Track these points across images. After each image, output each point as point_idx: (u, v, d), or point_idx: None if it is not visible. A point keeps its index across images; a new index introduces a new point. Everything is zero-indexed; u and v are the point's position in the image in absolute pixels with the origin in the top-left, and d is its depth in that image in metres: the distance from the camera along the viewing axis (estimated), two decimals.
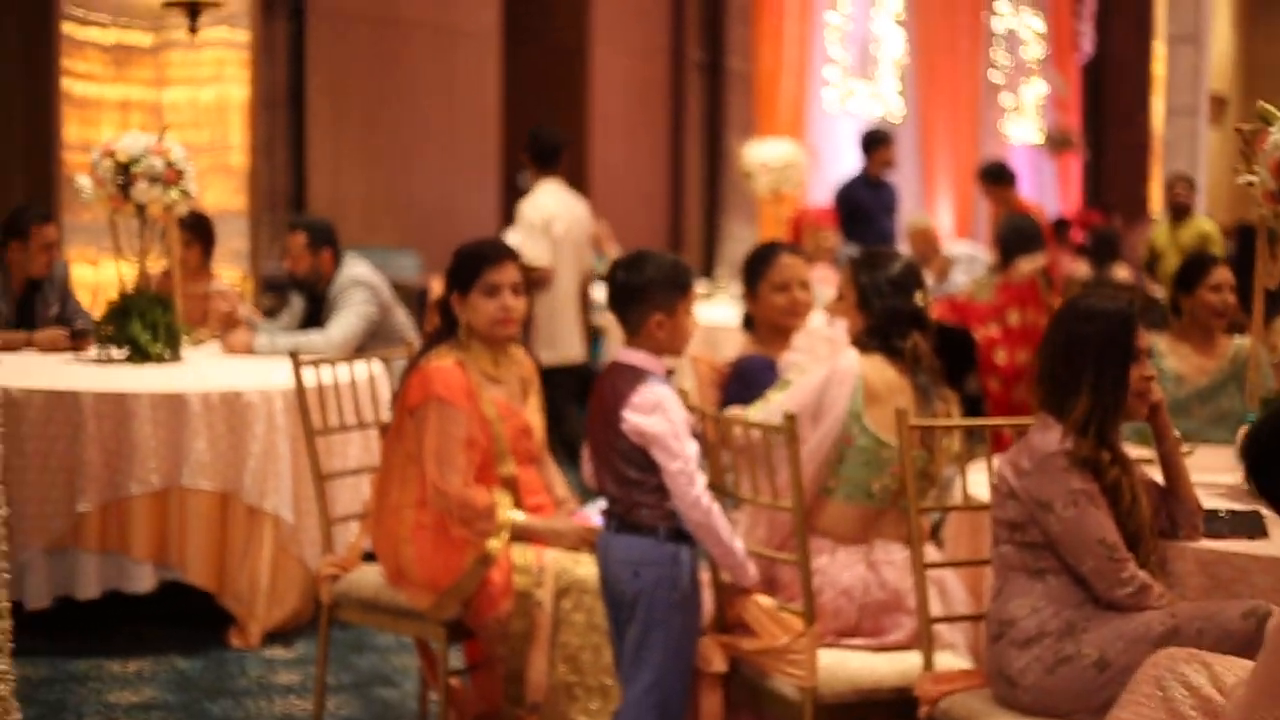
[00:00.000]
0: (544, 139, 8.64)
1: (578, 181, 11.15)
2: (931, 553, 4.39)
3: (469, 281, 4.67)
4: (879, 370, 4.33)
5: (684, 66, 11.49)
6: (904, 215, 11.73)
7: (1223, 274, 5.92)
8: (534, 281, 8.42)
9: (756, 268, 5.17)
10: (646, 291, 4.24)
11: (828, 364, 4.33)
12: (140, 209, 6.28)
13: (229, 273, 8.70)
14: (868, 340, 4.39)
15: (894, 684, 4.09)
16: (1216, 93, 19.26)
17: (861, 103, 14.04)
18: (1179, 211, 12.32)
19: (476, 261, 4.70)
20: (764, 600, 4.22)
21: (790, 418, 4.05)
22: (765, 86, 12.08)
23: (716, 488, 4.26)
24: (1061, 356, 3.80)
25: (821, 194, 11.76)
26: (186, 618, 5.98)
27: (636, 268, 4.29)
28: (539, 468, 4.86)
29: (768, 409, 4.33)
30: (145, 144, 6.29)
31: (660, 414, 4.12)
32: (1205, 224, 12.36)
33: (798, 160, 8.90)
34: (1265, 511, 4.03)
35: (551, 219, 8.52)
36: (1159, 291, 9.94)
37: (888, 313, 4.39)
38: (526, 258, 8.50)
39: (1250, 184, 4.31)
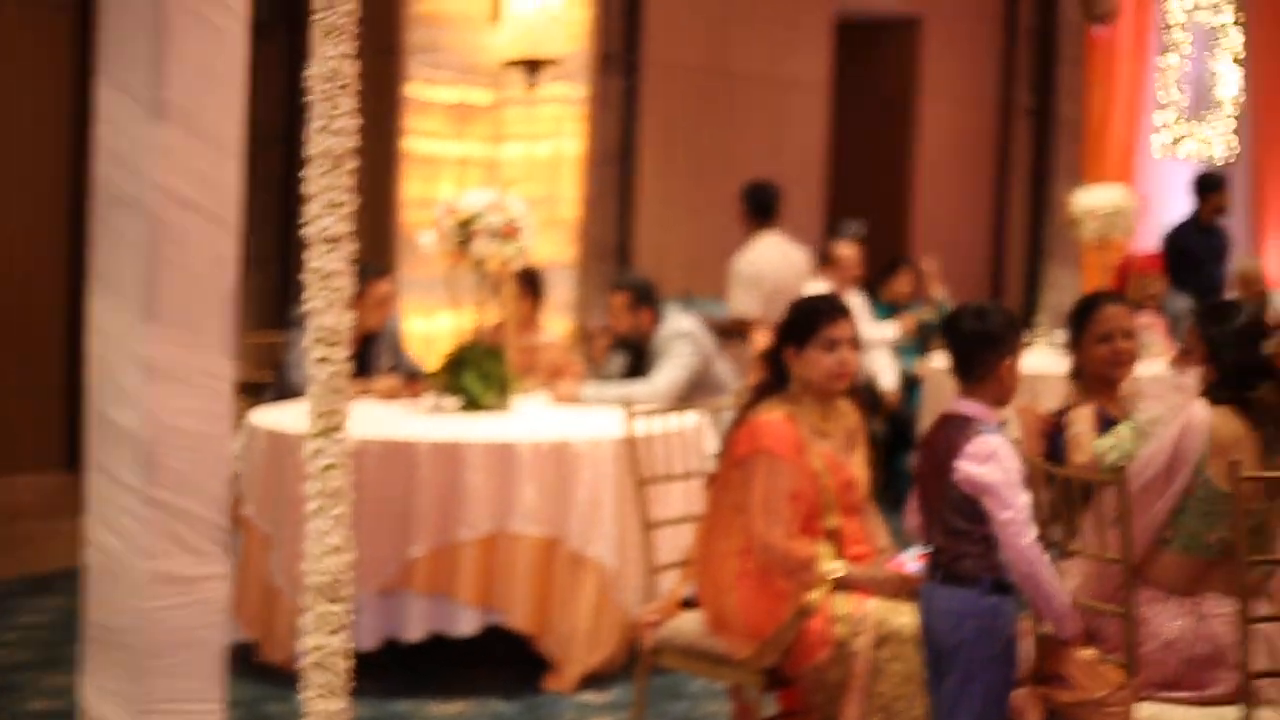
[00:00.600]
0: (759, 193, 8.84)
1: (900, 230, 11.16)
2: (1264, 607, 4.28)
3: (806, 335, 4.73)
4: (1226, 422, 4.27)
5: (1012, 113, 11.41)
6: (1233, 259, 11.42)
7: None
8: (736, 331, 8.55)
9: (1080, 319, 5.17)
10: (999, 338, 4.29)
11: (1182, 415, 4.28)
12: (478, 264, 6.48)
13: (557, 323, 8.93)
14: (1219, 392, 4.34)
15: None
16: None
17: (1192, 146, 13.71)
18: None
19: (815, 316, 4.75)
20: (1085, 652, 4.18)
21: (1119, 469, 4.03)
22: (1095, 132, 11.91)
23: (1043, 538, 4.25)
24: None
25: (1148, 240, 11.52)
26: (506, 660, 6.13)
27: (985, 315, 4.34)
28: (862, 518, 4.90)
29: (1120, 447, 4.31)
30: (486, 201, 6.50)
31: (995, 463, 4.13)
32: None
33: (1127, 206, 8.74)
34: None
35: (762, 272, 8.68)
36: None
37: (1238, 364, 4.35)
38: (734, 310, 8.68)
39: None
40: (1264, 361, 4.38)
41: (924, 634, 4.27)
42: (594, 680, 5.97)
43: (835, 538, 4.71)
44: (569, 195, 9.51)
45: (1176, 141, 13.40)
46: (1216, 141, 13.99)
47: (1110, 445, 4.38)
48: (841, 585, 4.61)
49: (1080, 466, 4.27)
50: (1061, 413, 5.08)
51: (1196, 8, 13.58)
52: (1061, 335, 7.07)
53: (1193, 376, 4.35)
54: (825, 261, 9.23)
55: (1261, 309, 9.81)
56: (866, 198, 11.22)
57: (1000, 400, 4.29)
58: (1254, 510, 4.05)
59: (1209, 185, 11.07)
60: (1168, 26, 13.14)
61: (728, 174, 10.28)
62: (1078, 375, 5.23)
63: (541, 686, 5.94)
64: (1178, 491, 4.21)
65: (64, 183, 8.06)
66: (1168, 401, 4.30)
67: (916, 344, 9.65)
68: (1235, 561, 4.08)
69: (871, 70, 11.36)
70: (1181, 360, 4.69)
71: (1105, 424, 4.74)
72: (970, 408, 4.25)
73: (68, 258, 8.00)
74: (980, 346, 4.29)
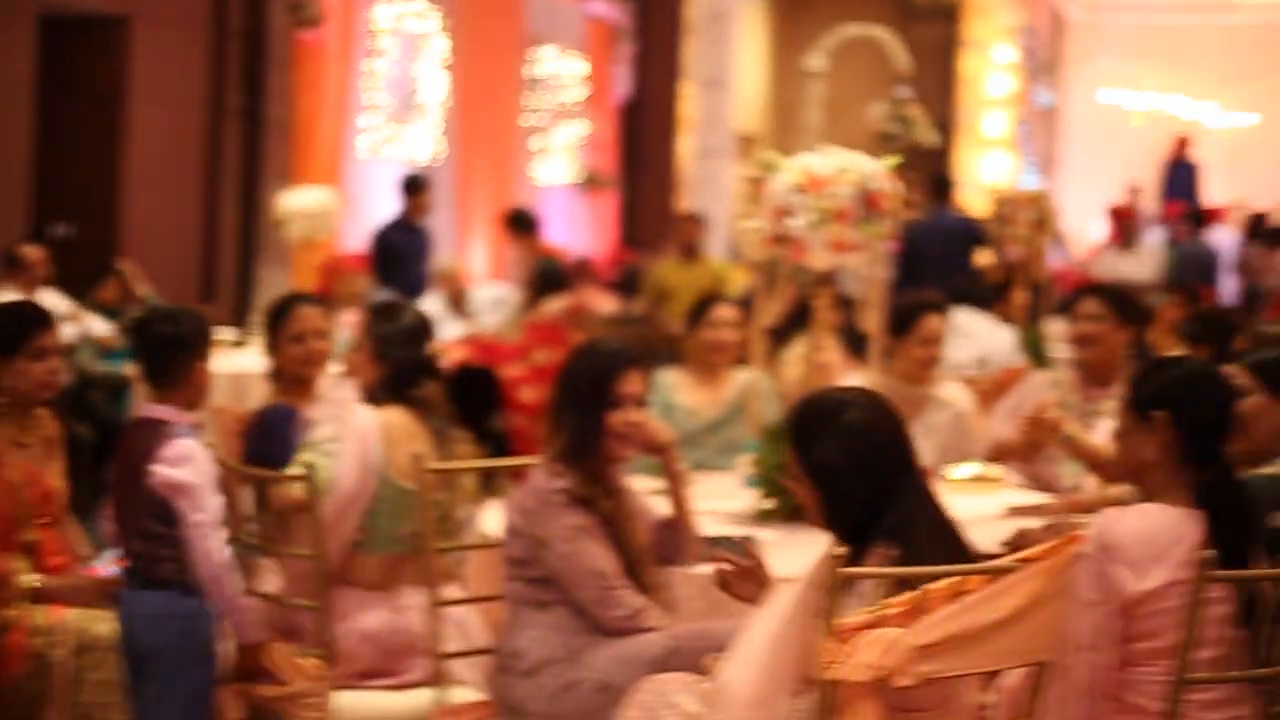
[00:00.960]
0: None
1: (110, 232, 10.93)
2: (455, 591, 4.53)
3: (14, 345, 4.45)
4: (394, 419, 4.45)
5: (223, 115, 11.39)
6: (438, 259, 11.91)
7: (724, 312, 6.27)
8: None
9: (275, 320, 5.28)
10: (189, 341, 4.32)
11: (354, 427, 4.40)
12: None
13: None
14: (381, 392, 4.51)
15: None
16: (747, 133, 20.15)
17: (400, 149, 14.17)
18: (687, 250, 12.02)
19: (24, 325, 4.49)
20: (283, 647, 4.30)
21: (310, 466, 4.15)
22: (303, 133, 12.08)
23: (237, 539, 4.33)
24: (555, 394, 4.05)
25: (356, 240, 11.83)
26: None
27: (176, 319, 4.37)
28: (61, 528, 4.80)
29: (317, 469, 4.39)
30: None
31: (189, 466, 4.17)
32: (715, 263, 12.25)
33: (330, 207, 8.96)
34: (764, 538, 4.34)
35: None
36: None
37: (402, 363, 4.53)
38: None
39: (755, 229, 4.64)
40: (426, 361, 4.60)
41: (124, 640, 4.23)
42: None
43: (33, 550, 4.55)
44: None
45: (383, 144, 13.81)
46: (421, 144, 14.52)
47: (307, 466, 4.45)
48: (39, 597, 4.51)
49: (274, 474, 4.34)
50: (261, 413, 5.18)
51: (403, 15, 14.04)
52: None
53: (350, 386, 4.51)
54: (11, 264, 8.92)
55: (456, 306, 10.32)
56: (76, 199, 10.93)
57: (192, 403, 4.34)
58: (438, 501, 4.27)
59: (414, 186, 11.51)
60: (375, 32, 13.51)
61: None
62: (275, 376, 5.35)
63: None
64: (365, 496, 4.37)
65: None
66: (333, 414, 4.44)
67: (128, 349, 9.48)
68: (420, 553, 4.30)
69: (79, 69, 11.06)
70: (352, 359, 4.83)
71: (298, 425, 4.84)
72: (163, 411, 4.27)
73: None
74: (171, 350, 4.32)
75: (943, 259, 11.12)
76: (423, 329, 4.63)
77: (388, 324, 4.60)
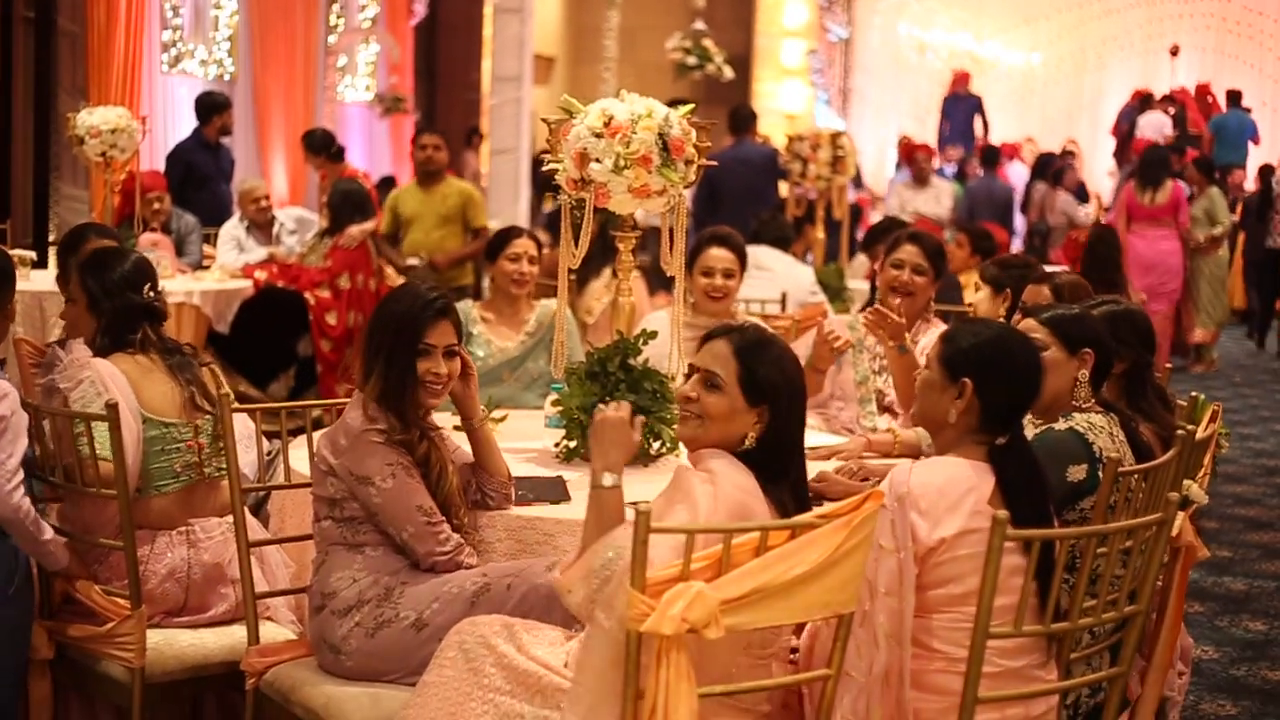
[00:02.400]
0: None
1: None
2: (255, 529, 4.55)
3: None
4: (126, 363, 4.43)
5: (13, 25, 11.07)
6: (239, 178, 11.75)
7: (523, 244, 6.30)
8: None
9: (68, 254, 5.29)
10: (5, 279, 4.30)
11: (98, 379, 4.35)
12: None
13: None
14: (103, 343, 4.48)
15: (222, 659, 4.26)
16: (544, 54, 20.12)
17: (197, 65, 13.91)
18: (426, 174, 10.55)
19: None
20: (90, 586, 4.28)
21: (112, 406, 4.11)
22: (99, 47, 11.79)
23: (38, 475, 4.30)
24: (366, 338, 4.09)
25: (156, 158, 11.62)
26: None
27: None
28: None
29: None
30: None
31: (5, 405, 4.11)
32: (458, 186, 10.76)
33: (128, 126, 8.77)
34: (567, 476, 4.42)
35: None
36: None
37: (119, 311, 4.49)
38: None
39: (555, 171, 4.68)
40: (146, 304, 4.53)
41: None
42: None
43: None
44: None
45: (178, 61, 13.55)
46: (216, 62, 14.28)
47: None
48: None
49: (77, 413, 4.29)
50: (54, 344, 5.10)
51: None
52: None
53: (79, 345, 4.47)
54: None
55: (260, 227, 10.20)
56: None
57: None
58: (201, 428, 4.33)
59: (212, 106, 11.31)
60: None
61: None
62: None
63: None
64: (139, 440, 4.32)
65: None
66: (75, 375, 4.39)
67: None
68: (210, 480, 4.40)
69: None
70: (66, 314, 4.74)
71: None
72: None
73: None
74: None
75: (745, 191, 11.27)
76: (137, 274, 4.54)
77: (100, 274, 4.53)
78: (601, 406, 3.44)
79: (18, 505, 4.08)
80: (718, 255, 6.18)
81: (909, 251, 5.76)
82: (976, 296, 5.74)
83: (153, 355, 4.46)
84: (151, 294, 4.53)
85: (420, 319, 4.03)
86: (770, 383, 3.48)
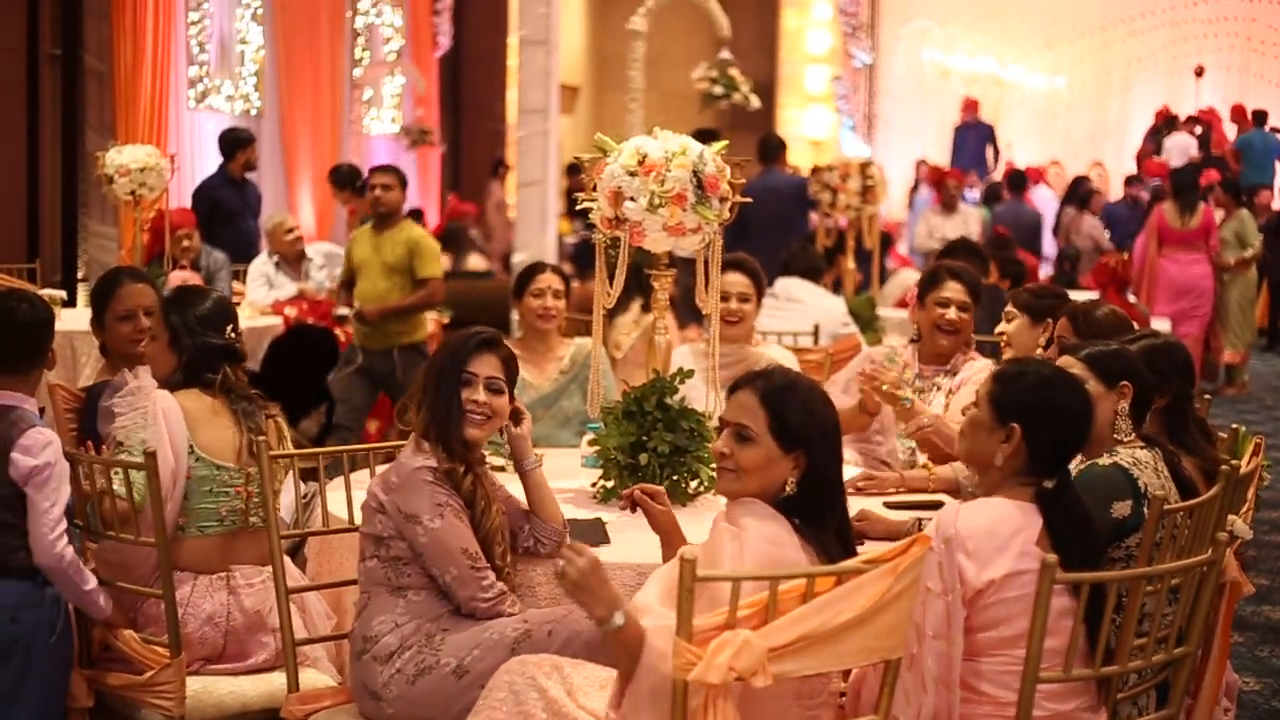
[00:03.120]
0: None
1: None
2: (295, 575, 4.54)
3: None
4: (194, 400, 4.43)
5: (41, 64, 11.13)
6: (266, 213, 11.76)
7: (548, 279, 6.26)
8: None
9: (101, 299, 5.23)
10: (46, 327, 4.30)
11: (154, 410, 4.35)
12: None
13: None
14: (179, 379, 4.47)
15: (262, 706, 4.25)
16: (569, 84, 20.15)
17: (223, 101, 13.96)
18: (380, 219, 9.04)
19: None
20: (129, 634, 4.27)
21: (150, 454, 4.11)
22: (125, 85, 11.85)
23: (76, 523, 4.29)
24: (423, 372, 4.10)
25: (184, 195, 11.65)
26: None
27: (33, 303, 4.36)
28: None
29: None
30: None
31: (50, 453, 4.12)
32: (410, 233, 9.02)
33: (156, 164, 8.80)
34: (606, 518, 4.40)
35: None
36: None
37: (198, 350, 4.50)
38: None
39: (589, 209, 4.68)
40: (226, 346, 4.55)
41: None
42: None
43: None
44: None
45: (205, 96, 13.60)
46: (243, 97, 14.33)
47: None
48: None
49: (116, 461, 4.28)
50: (90, 390, 5.11)
51: None
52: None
53: (146, 374, 4.47)
54: None
55: (289, 262, 10.21)
56: None
57: (35, 387, 4.29)
58: (252, 476, 4.28)
59: (237, 141, 11.33)
60: None
61: None
62: (105, 351, 5.30)
63: None
64: (180, 477, 4.32)
65: None
66: (132, 403, 4.38)
67: None
68: (254, 530, 4.35)
69: None
70: (149, 350, 4.76)
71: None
72: (12, 397, 4.21)
73: None
74: (32, 335, 4.30)
75: (774, 220, 11.25)
76: (220, 313, 4.57)
77: (182, 311, 4.55)
78: (563, 564, 3.20)
79: (61, 554, 4.08)
80: (731, 280, 6.19)
81: (954, 289, 5.69)
82: (1010, 327, 5.66)
83: (223, 400, 4.45)
84: (232, 335, 4.54)
85: (464, 348, 4.07)
86: (802, 427, 3.44)
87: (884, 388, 5.37)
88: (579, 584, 3.17)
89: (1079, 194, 17.03)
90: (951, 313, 5.67)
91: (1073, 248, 15.56)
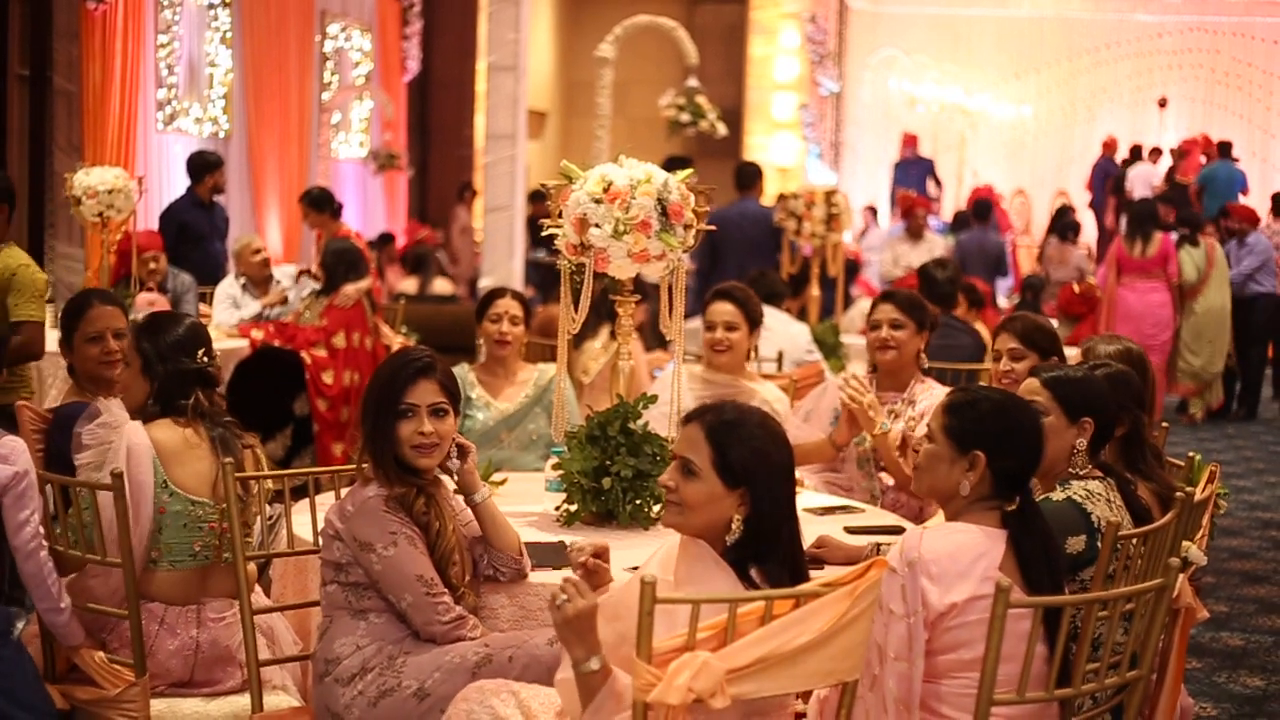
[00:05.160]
0: None
1: None
2: (259, 597, 4.55)
3: None
4: (169, 432, 4.40)
5: (9, 85, 11.13)
6: (234, 236, 11.77)
7: (505, 304, 6.31)
8: None
9: (70, 321, 5.24)
10: (4, 343, 4.30)
11: (119, 444, 4.33)
12: None
13: None
14: (151, 407, 4.46)
15: None
16: (537, 109, 20.20)
17: (191, 123, 13.97)
18: None
19: None
20: (96, 654, 4.29)
21: (118, 476, 4.13)
22: (94, 106, 11.86)
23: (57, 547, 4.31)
24: (362, 400, 4.13)
25: (151, 217, 11.65)
26: None
27: None
28: None
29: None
30: None
31: (25, 459, 4.14)
32: (10, 260, 6.65)
33: (124, 186, 8.80)
34: (569, 540, 4.43)
35: None
36: None
37: (172, 375, 4.49)
38: None
39: (554, 236, 4.72)
40: (199, 370, 4.53)
41: None
42: None
43: None
44: None
45: (173, 119, 13.61)
46: (211, 120, 14.33)
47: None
48: None
49: (80, 481, 4.30)
50: (60, 411, 5.11)
51: None
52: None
53: (117, 405, 4.45)
54: None
55: (258, 285, 10.21)
56: None
57: None
58: (234, 509, 4.22)
59: (204, 164, 11.33)
60: (162, 6, 13.29)
61: None
62: (73, 373, 5.31)
63: None
64: (150, 514, 4.30)
65: None
66: (99, 437, 4.37)
67: None
68: (227, 563, 4.33)
69: None
70: (120, 377, 4.75)
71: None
72: None
73: None
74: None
75: (748, 247, 11.33)
76: (192, 338, 4.54)
77: (153, 337, 4.53)
78: (561, 596, 3.19)
79: (44, 561, 4.12)
80: (718, 309, 6.26)
81: (883, 310, 5.94)
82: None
83: (199, 428, 4.44)
84: (205, 359, 4.53)
85: (399, 379, 4.07)
86: (745, 465, 3.39)
87: (867, 401, 5.47)
88: (570, 623, 3.16)
89: (1062, 224, 17.17)
90: (883, 331, 5.89)
91: (1038, 277, 15.66)
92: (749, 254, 11.20)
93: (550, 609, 3.19)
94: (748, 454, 3.40)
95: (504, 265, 13.42)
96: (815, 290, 10.60)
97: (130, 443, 4.30)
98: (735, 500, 3.41)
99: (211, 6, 14.29)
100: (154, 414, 4.44)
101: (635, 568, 3.77)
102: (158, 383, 4.48)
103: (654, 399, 4.92)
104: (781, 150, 21.81)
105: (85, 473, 4.32)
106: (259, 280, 10.33)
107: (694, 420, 3.50)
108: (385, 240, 16.24)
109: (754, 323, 6.33)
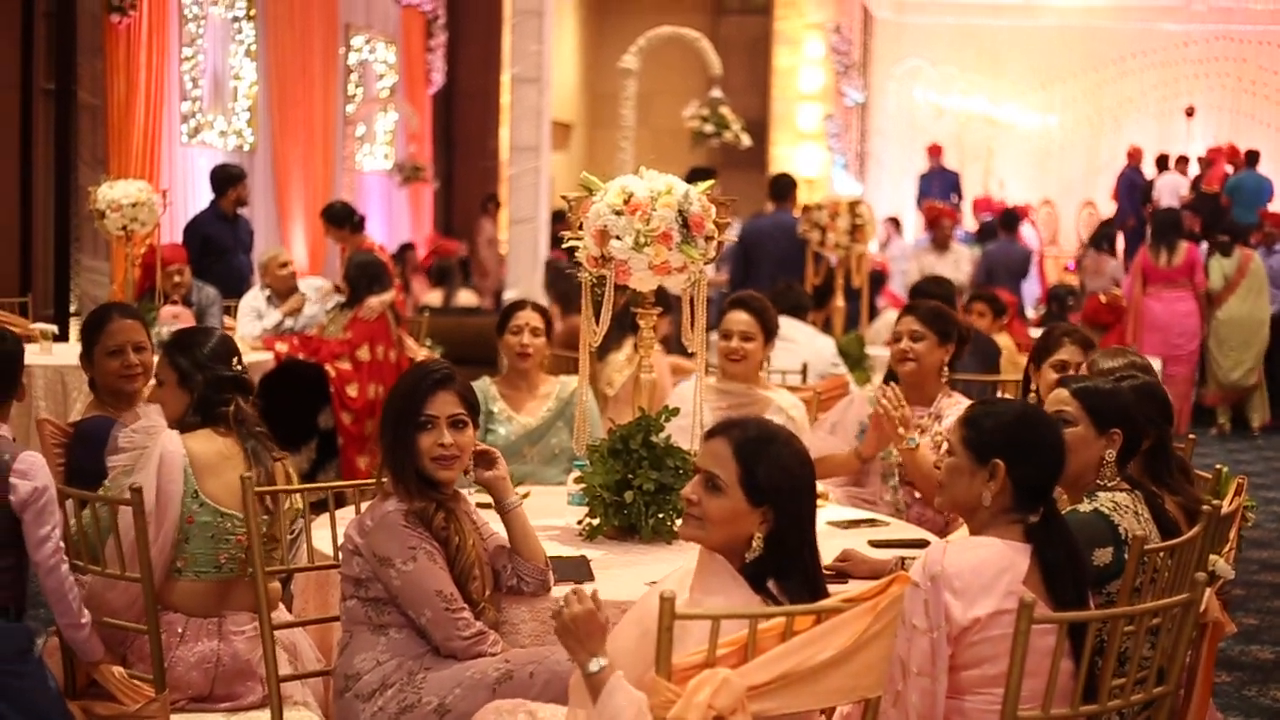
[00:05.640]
0: None
1: None
2: (281, 612, 4.54)
3: None
4: (206, 443, 4.40)
5: (34, 98, 11.16)
6: (259, 248, 11.78)
7: (526, 316, 6.30)
8: None
9: (90, 334, 5.23)
10: (19, 358, 4.32)
11: (154, 450, 4.33)
12: None
13: None
14: (191, 418, 4.47)
15: None
16: (561, 120, 20.20)
17: (216, 136, 13.99)
18: None
19: None
20: (115, 669, 4.27)
21: (137, 491, 4.12)
22: (120, 120, 11.88)
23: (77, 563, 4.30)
24: (381, 414, 4.11)
25: (176, 230, 11.67)
26: None
27: (3, 336, 4.36)
28: None
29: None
30: None
31: (45, 475, 4.15)
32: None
33: (148, 200, 8.82)
34: (591, 555, 4.41)
35: None
36: None
37: (209, 384, 4.49)
38: None
39: (575, 248, 4.70)
40: (235, 377, 4.55)
41: None
42: None
43: None
44: None
45: (197, 132, 13.63)
46: (235, 133, 14.35)
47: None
48: None
49: (100, 496, 4.29)
50: (81, 425, 5.11)
51: (212, 2, 13.83)
52: None
53: (156, 411, 4.45)
54: None
55: (283, 297, 10.21)
56: None
57: (5, 417, 4.33)
58: (259, 522, 4.25)
59: (228, 177, 11.35)
60: (186, 19, 13.31)
61: None
62: (94, 387, 5.30)
63: None
64: (172, 524, 4.31)
65: None
66: (136, 441, 4.37)
67: None
68: (247, 577, 4.30)
69: None
70: (155, 396, 4.74)
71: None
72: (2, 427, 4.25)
73: None
74: (5, 366, 4.31)
75: (781, 258, 11.30)
76: (224, 348, 4.56)
77: (187, 350, 4.54)
78: (561, 601, 3.21)
79: (64, 576, 4.12)
80: (735, 318, 6.25)
81: (905, 322, 5.92)
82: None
83: (236, 439, 4.43)
84: (239, 367, 4.54)
85: (418, 391, 4.06)
86: (772, 483, 3.36)
87: (900, 415, 5.44)
88: (568, 628, 3.16)
89: (1100, 235, 17.18)
90: (904, 343, 5.86)
91: (1064, 286, 15.61)
92: (782, 266, 11.18)
93: (553, 618, 3.19)
94: (775, 472, 3.37)
95: (528, 277, 13.41)
96: (840, 302, 10.55)
97: (164, 450, 4.30)
98: (758, 517, 3.37)
99: (236, 20, 14.31)
100: (194, 424, 4.44)
101: (654, 582, 3.74)
102: (197, 393, 4.47)
103: (675, 412, 4.89)
104: (806, 161, 21.78)
105: (116, 475, 4.32)
106: (285, 293, 10.33)
107: (720, 435, 3.46)
108: (406, 251, 16.24)
109: (769, 333, 6.34)
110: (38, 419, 5.14)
